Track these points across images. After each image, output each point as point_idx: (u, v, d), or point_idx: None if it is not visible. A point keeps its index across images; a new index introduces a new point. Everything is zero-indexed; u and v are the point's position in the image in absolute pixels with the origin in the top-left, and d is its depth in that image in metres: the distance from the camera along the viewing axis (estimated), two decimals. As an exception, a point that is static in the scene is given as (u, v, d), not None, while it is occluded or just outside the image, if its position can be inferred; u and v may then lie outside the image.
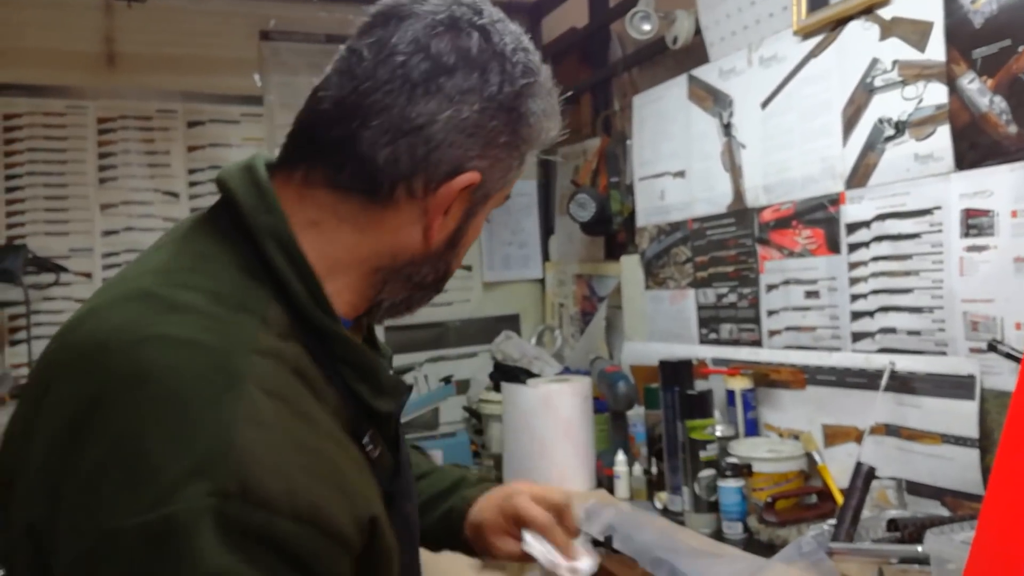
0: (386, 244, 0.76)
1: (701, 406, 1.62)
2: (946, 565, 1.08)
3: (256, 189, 0.73)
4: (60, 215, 2.35)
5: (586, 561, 0.97)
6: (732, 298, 1.88)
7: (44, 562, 0.60)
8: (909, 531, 1.22)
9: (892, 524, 1.26)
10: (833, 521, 1.38)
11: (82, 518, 0.57)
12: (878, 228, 1.50)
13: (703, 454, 1.60)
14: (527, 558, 0.99)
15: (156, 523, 0.55)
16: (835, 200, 1.59)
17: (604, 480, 1.91)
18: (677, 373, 1.73)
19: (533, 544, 0.98)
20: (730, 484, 1.54)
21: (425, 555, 0.98)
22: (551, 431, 1.90)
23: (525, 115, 0.76)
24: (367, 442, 0.76)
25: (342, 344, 0.73)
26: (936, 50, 1.38)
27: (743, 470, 1.55)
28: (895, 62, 1.45)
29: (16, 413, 0.69)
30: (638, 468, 1.85)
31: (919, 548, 1.17)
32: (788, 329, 1.72)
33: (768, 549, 1.44)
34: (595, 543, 1.19)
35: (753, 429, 1.75)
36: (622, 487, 1.83)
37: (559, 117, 0.81)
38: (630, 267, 2.27)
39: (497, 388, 2.22)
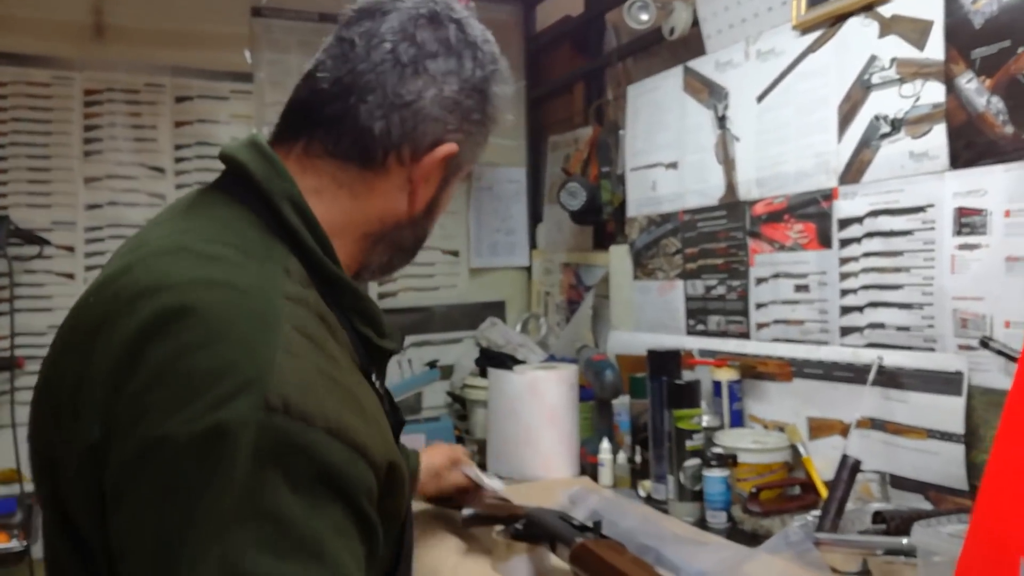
0: (377, 209, 0.86)
1: (689, 396, 1.63)
2: (932, 557, 1.09)
3: (265, 159, 0.81)
4: (43, 187, 2.31)
5: (500, 482, 1.56)
6: (721, 290, 1.89)
7: (98, 480, 0.65)
8: (895, 524, 1.23)
9: (878, 516, 1.28)
10: (816, 512, 1.40)
11: (132, 428, 0.62)
12: (870, 224, 1.51)
13: (689, 444, 1.60)
14: (467, 483, 1.51)
15: (205, 430, 0.60)
16: (828, 195, 1.59)
17: (588, 467, 1.91)
18: (665, 363, 1.73)
19: (473, 471, 1.52)
20: (715, 474, 1.55)
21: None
22: (536, 418, 1.91)
23: (492, 97, 0.89)
24: (375, 380, 0.85)
25: (351, 293, 0.82)
26: (935, 49, 1.39)
27: (728, 460, 1.56)
28: (893, 60, 1.46)
29: (57, 365, 0.73)
30: (622, 456, 1.85)
31: (904, 540, 1.18)
32: (776, 322, 1.74)
33: (751, 539, 1.46)
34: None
35: (738, 420, 1.76)
36: (606, 475, 1.84)
37: (511, 103, 0.94)
38: (619, 257, 2.27)
39: (483, 374, 2.22)
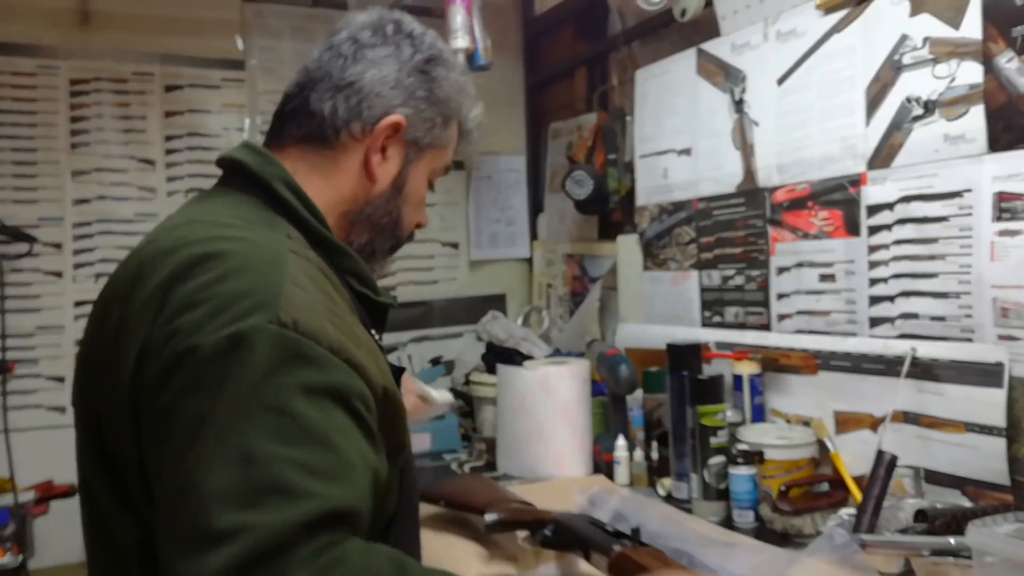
0: (346, 186, 0.97)
1: (713, 391, 1.57)
2: (984, 558, 1.04)
3: (257, 153, 0.95)
4: (29, 181, 2.22)
5: (448, 394, 1.68)
6: (739, 281, 1.83)
7: (135, 405, 0.74)
8: (941, 522, 1.18)
9: (920, 515, 1.23)
10: (849, 510, 1.35)
11: (162, 348, 0.73)
12: (902, 210, 1.45)
13: (713, 440, 1.55)
14: (419, 403, 1.57)
15: (227, 337, 0.70)
16: (856, 181, 1.54)
17: (602, 465, 1.85)
18: (686, 357, 1.67)
19: (418, 386, 1.58)
20: (742, 472, 1.50)
21: (430, 546, 1.06)
22: (548, 414, 1.85)
23: (436, 78, 1.00)
24: (373, 334, 0.94)
25: (345, 256, 0.93)
26: (972, 27, 1.33)
27: (755, 457, 1.51)
28: (926, 39, 1.40)
29: (97, 329, 0.84)
30: (638, 454, 1.79)
31: (951, 540, 1.13)
32: (799, 313, 1.68)
33: (781, 538, 1.41)
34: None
35: (759, 415, 1.71)
36: (622, 473, 1.78)
37: (474, 97, 1.05)
38: (627, 247, 2.21)
39: (489, 369, 2.16)
